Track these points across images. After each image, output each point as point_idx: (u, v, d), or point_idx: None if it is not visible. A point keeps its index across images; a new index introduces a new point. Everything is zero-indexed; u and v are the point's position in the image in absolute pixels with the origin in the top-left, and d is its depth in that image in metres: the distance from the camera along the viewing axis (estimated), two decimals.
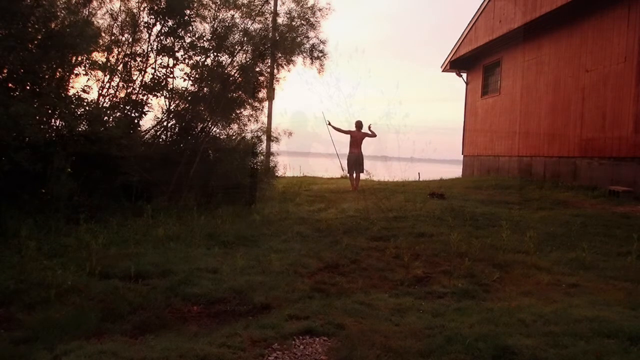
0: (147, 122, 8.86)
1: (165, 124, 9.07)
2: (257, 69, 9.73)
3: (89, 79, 7.89)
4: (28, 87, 6.73)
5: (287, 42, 10.15)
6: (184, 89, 9.03)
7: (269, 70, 11.02)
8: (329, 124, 11.58)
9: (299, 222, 7.22)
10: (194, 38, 8.79)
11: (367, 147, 11.71)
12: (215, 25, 9.19)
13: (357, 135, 11.62)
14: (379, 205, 8.40)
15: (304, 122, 12.18)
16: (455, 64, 17.03)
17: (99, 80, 8.16)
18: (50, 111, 6.98)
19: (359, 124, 11.63)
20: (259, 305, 3.93)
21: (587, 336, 3.25)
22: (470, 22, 15.59)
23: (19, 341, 3.18)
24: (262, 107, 10.69)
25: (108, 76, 8.29)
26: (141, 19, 8.59)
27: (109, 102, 8.33)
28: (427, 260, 5.31)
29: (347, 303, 3.96)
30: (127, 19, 8.65)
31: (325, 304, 3.93)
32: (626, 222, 7.27)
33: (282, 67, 10.88)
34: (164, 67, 8.65)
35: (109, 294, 3.99)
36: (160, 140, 9.15)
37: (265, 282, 4.39)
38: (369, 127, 11.60)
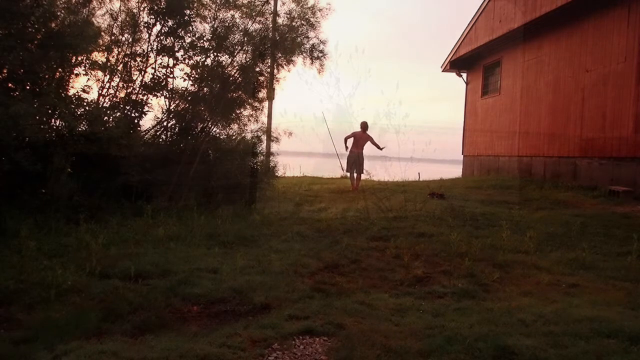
0: (147, 122, 8.88)
1: (165, 124, 9.07)
2: (257, 69, 9.74)
3: (89, 79, 7.92)
4: (28, 87, 6.73)
5: (287, 42, 10.15)
6: (184, 89, 9.04)
7: (269, 70, 11.03)
8: (347, 148, 11.52)
9: (299, 222, 7.22)
10: (194, 38, 8.79)
11: (367, 146, 11.68)
12: (215, 25, 9.19)
13: (361, 136, 11.57)
14: (379, 205, 8.40)
15: (304, 122, 12.18)
16: (455, 64, 17.03)
17: (99, 80, 8.18)
18: (50, 111, 6.98)
19: (364, 125, 11.54)
20: (259, 305, 3.92)
21: (587, 336, 3.25)
22: (470, 22, 15.59)
23: (19, 341, 3.17)
24: (262, 107, 10.70)
25: (108, 76, 8.30)
26: (141, 19, 8.60)
27: (109, 102, 8.34)
28: (427, 260, 5.31)
29: (347, 303, 3.96)
30: (127, 19, 8.66)
31: (325, 304, 3.93)
32: (626, 222, 7.27)
33: (282, 67, 10.90)
34: (164, 67, 8.66)
35: (109, 294, 3.98)
36: (160, 140, 9.15)
37: (265, 282, 4.39)
38: (380, 148, 11.44)
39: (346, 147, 11.59)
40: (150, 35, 8.61)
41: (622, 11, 9.94)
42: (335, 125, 11.71)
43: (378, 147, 11.43)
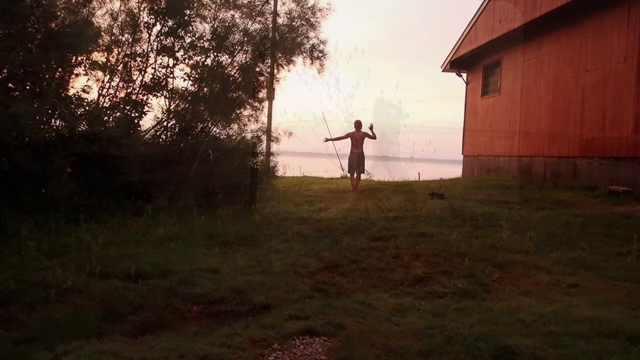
0: (147, 122, 8.88)
1: (165, 124, 9.08)
2: (257, 69, 9.74)
3: (89, 79, 7.90)
4: (28, 87, 6.72)
5: (287, 42, 10.16)
6: (184, 89, 9.04)
7: (269, 70, 11.04)
8: (326, 140, 11.66)
9: (299, 222, 7.21)
10: (194, 38, 8.79)
11: (367, 146, 11.71)
12: (215, 25, 9.20)
13: (357, 135, 11.61)
14: (379, 205, 8.39)
15: (304, 122, 12.19)
16: (455, 64, 17.03)
17: (99, 80, 8.17)
18: (50, 111, 6.98)
19: (358, 124, 11.61)
20: (259, 305, 3.92)
21: (587, 336, 3.25)
22: (470, 22, 15.59)
23: (19, 341, 3.17)
24: (262, 107, 10.71)
25: (108, 76, 8.30)
26: (141, 19, 8.60)
27: (109, 102, 8.34)
28: (427, 260, 5.31)
29: (347, 303, 3.96)
30: (127, 19, 8.66)
31: (325, 304, 3.93)
32: (626, 222, 7.27)
33: (282, 67, 10.91)
34: (164, 67, 8.66)
35: (109, 294, 3.98)
36: (160, 140, 9.15)
37: (265, 282, 4.39)
38: (371, 128, 11.53)
39: (330, 140, 11.67)
40: (150, 35, 8.61)
41: (622, 11, 9.93)
42: (334, 126, 11.72)
43: (374, 137, 11.55)
